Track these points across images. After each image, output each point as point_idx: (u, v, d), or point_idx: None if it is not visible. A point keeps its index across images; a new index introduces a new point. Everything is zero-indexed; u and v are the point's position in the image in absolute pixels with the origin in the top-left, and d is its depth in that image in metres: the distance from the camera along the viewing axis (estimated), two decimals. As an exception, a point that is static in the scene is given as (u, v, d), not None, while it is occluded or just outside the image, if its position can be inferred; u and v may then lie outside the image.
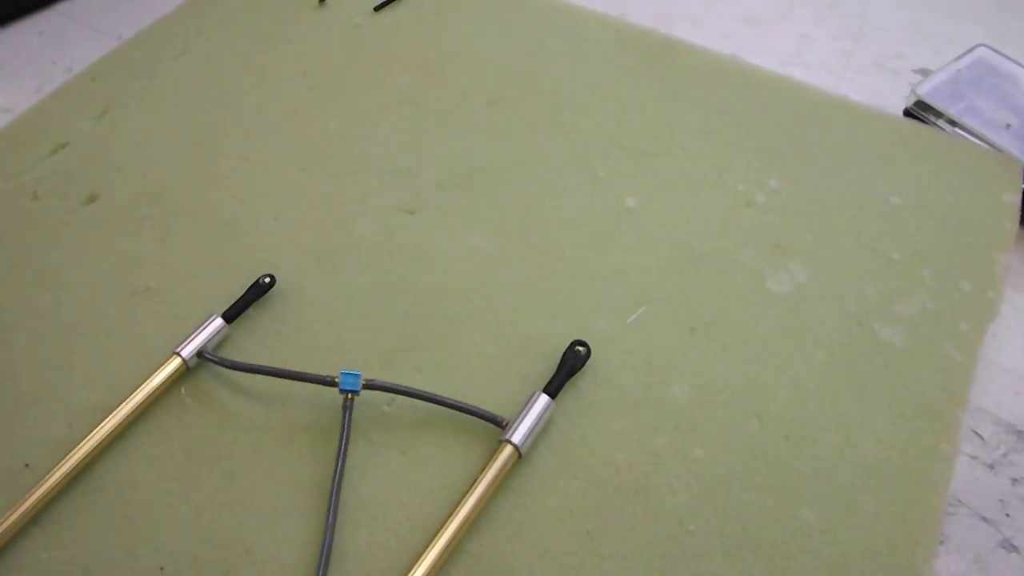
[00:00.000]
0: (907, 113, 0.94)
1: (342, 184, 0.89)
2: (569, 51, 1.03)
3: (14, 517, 0.66)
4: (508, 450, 0.67)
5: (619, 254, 0.82)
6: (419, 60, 1.03)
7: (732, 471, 0.68)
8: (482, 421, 0.69)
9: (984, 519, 0.70)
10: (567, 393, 0.72)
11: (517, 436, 0.67)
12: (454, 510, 0.64)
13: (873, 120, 0.93)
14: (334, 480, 0.66)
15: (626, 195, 0.86)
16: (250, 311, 0.79)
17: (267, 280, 0.79)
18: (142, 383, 0.73)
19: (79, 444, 0.70)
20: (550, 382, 0.71)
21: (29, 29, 1.17)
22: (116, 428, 0.71)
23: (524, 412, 0.68)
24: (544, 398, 0.69)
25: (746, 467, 0.68)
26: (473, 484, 0.65)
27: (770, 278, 0.79)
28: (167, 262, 0.84)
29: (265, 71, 1.03)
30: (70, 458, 0.69)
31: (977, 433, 0.74)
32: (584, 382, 0.73)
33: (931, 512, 0.66)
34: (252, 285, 0.79)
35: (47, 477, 0.68)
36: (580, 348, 0.73)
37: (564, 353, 0.73)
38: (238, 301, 0.78)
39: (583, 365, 0.72)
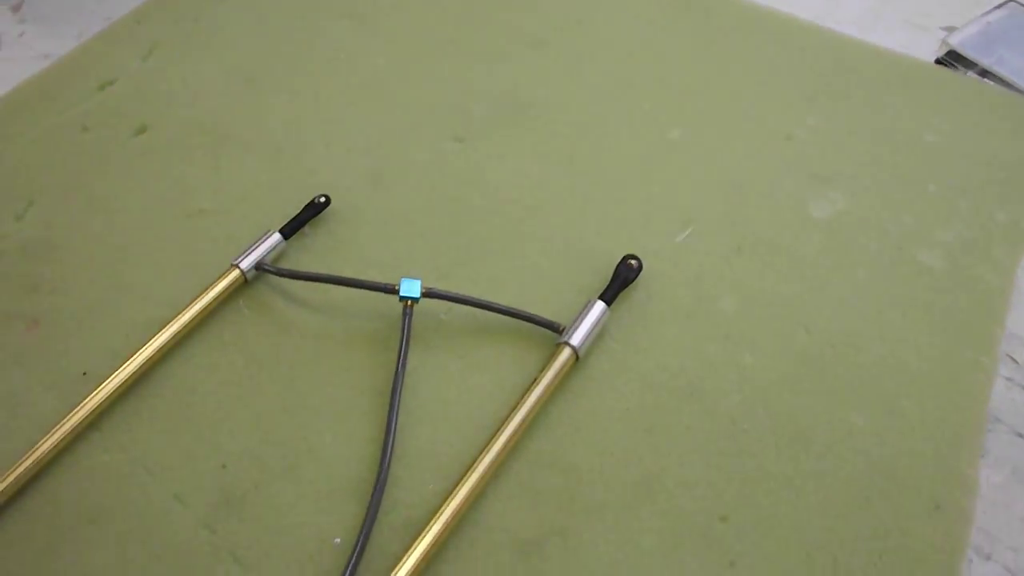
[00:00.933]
0: (938, 63, 0.96)
1: (391, 116, 0.90)
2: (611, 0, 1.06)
3: (73, 420, 0.67)
4: (566, 352, 0.68)
5: (666, 180, 0.84)
6: (463, 2, 1.06)
7: (782, 377, 0.69)
8: (539, 328, 0.71)
9: (1020, 435, 0.72)
10: (620, 304, 0.74)
11: (575, 339, 0.68)
12: (514, 409, 0.65)
13: (905, 66, 0.96)
14: (396, 378, 0.67)
15: (670, 128, 0.88)
16: (306, 230, 0.80)
17: (322, 199, 0.80)
18: (199, 296, 0.74)
19: (136, 352, 0.71)
20: (605, 291, 0.73)
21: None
22: (174, 337, 0.72)
23: (580, 317, 0.70)
24: (600, 304, 0.71)
25: (795, 373, 0.69)
26: (532, 385, 0.66)
27: (812, 204, 0.81)
28: (220, 186, 0.85)
29: (311, 14, 1.05)
30: (128, 365, 0.70)
31: (1012, 358, 0.76)
32: (637, 294, 0.74)
33: (973, 420, 0.68)
34: (308, 204, 0.80)
35: (105, 383, 0.69)
36: (632, 261, 0.74)
37: (617, 267, 0.74)
38: (294, 218, 0.79)
39: (636, 277, 0.74)
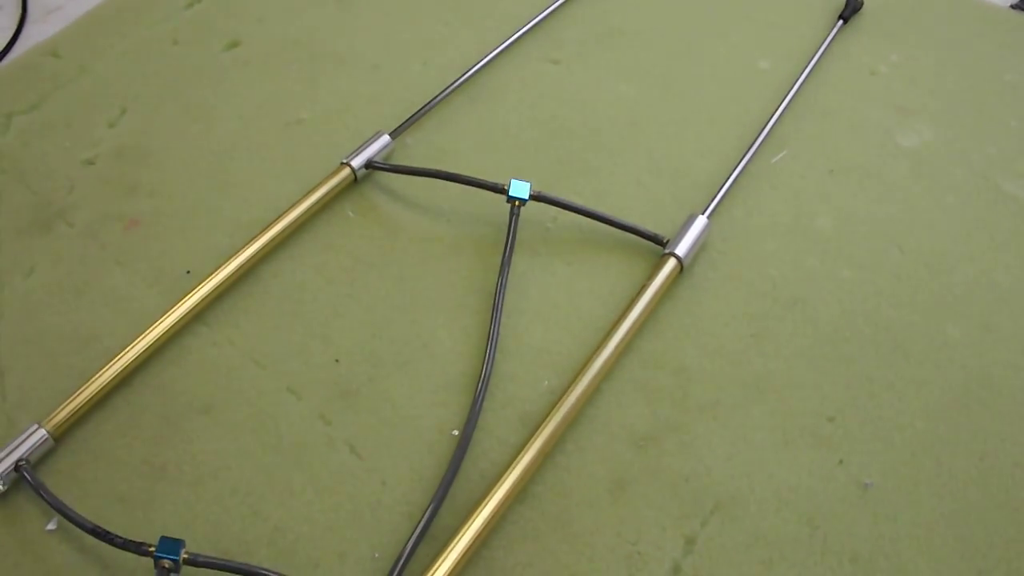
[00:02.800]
0: (1013, 8, 0.97)
1: (485, 37, 0.90)
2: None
3: (179, 311, 0.66)
4: (671, 262, 0.69)
5: (757, 106, 0.84)
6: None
7: (879, 290, 0.70)
8: (644, 240, 0.72)
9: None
10: (721, 217, 0.74)
11: (680, 249, 0.69)
12: (624, 313, 0.66)
13: (981, 10, 0.96)
14: (500, 275, 0.67)
15: (759, 58, 0.88)
16: (407, 139, 0.80)
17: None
18: (307, 195, 0.74)
19: (240, 250, 0.70)
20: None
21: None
22: (278, 236, 0.71)
23: (684, 230, 0.70)
24: (702, 219, 0.71)
25: (892, 288, 0.71)
26: (640, 292, 0.67)
27: (898, 134, 0.82)
28: (318, 98, 0.84)
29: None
30: (233, 261, 0.69)
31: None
32: (735, 210, 0.75)
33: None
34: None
35: (210, 277, 0.68)
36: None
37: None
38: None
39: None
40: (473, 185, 0.72)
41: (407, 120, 0.79)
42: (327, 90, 0.85)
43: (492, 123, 0.82)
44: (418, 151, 0.80)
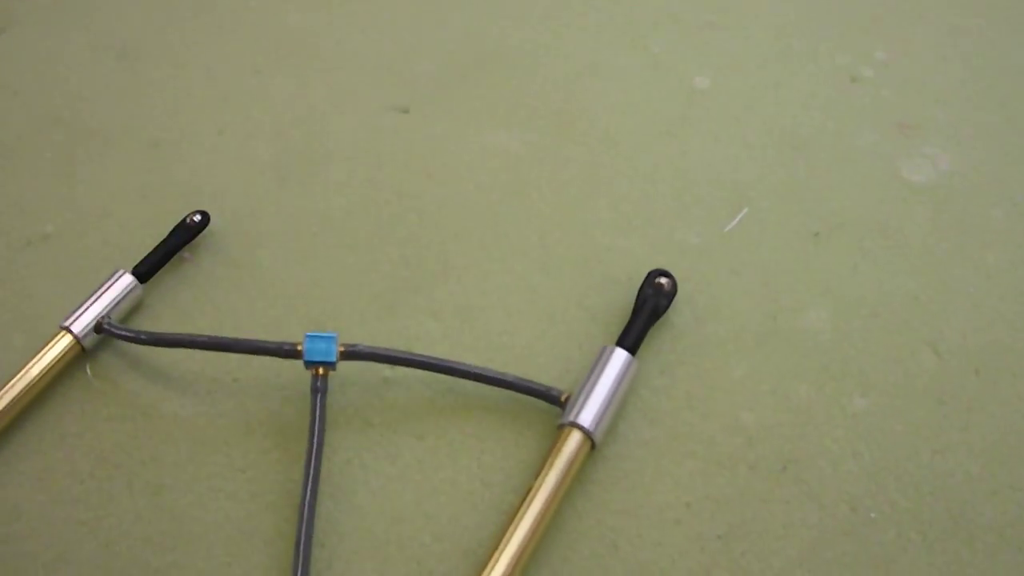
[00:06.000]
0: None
1: (308, 85, 0.62)
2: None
3: None
4: (575, 439, 0.41)
5: (698, 146, 0.56)
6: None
7: (913, 426, 0.43)
8: (533, 399, 0.44)
9: None
10: (656, 336, 0.47)
11: (586, 416, 0.41)
12: (511, 523, 0.38)
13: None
14: (305, 490, 0.40)
15: (693, 74, 0.61)
16: (185, 254, 0.52)
17: (196, 219, 0.52)
18: (21, 368, 0.46)
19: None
20: (625, 331, 0.45)
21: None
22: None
23: (592, 377, 0.42)
24: (620, 354, 0.43)
25: (931, 418, 0.43)
26: (530, 491, 0.39)
27: (904, 165, 0.55)
28: (72, 199, 0.57)
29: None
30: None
31: None
32: (678, 317, 0.47)
33: None
34: (175, 227, 0.52)
35: None
36: (662, 280, 0.47)
37: (640, 289, 0.47)
38: (155, 251, 0.51)
39: (669, 304, 0.47)
40: (250, 352, 0.44)
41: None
42: (86, 185, 0.57)
43: (310, 214, 0.54)
44: (201, 270, 0.52)
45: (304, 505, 0.40)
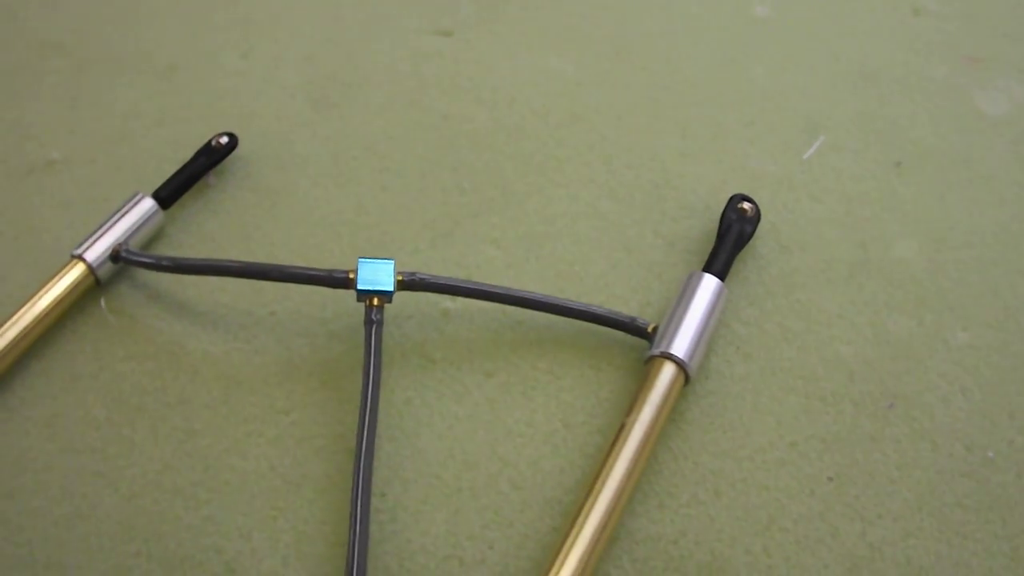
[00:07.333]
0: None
1: (339, 6, 0.56)
2: None
3: None
4: (668, 370, 0.36)
5: (764, 74, 0.52)
6: None
7: (1021, 360, 0.39)
8: (614, 331, 0.39)
9: None
10: (741, 266, 0.42)
11: (679, 346, 0.36)
12: (603, 467, 0.33)
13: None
14: (362, 430, 0.35)
15: (753, 3, 0.57)
16: (210, 180, 0.46)
17: (224, 140, 0.46)
18: (26, 303, 0.40)
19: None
20: (712, 256, 0.41)
21: None
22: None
23: (682, 306, 0.38)
24: (711, 280, 0.39)
25: (1046, 357, 0.40)
26: (622, 430, 0.34)
27: (980, 98, 0.51)
28: (79, 126, 0.50)
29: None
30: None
31: None
32: (762, 246, 0.43)
33: None
34: (200, 150, 0.46)
35: None
36: (745, 205, 0.42)
37: (723, 214, 0.42)
38: (176, 175, 0.45)
39: (754, 230, 0.43)
40: (292, 281, 0.39)
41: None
42: (95, 110, 0.51)
43: (349, 138, 0.48)
44: (227, 197, 0.46)
45: (361, 449, 0.34)
